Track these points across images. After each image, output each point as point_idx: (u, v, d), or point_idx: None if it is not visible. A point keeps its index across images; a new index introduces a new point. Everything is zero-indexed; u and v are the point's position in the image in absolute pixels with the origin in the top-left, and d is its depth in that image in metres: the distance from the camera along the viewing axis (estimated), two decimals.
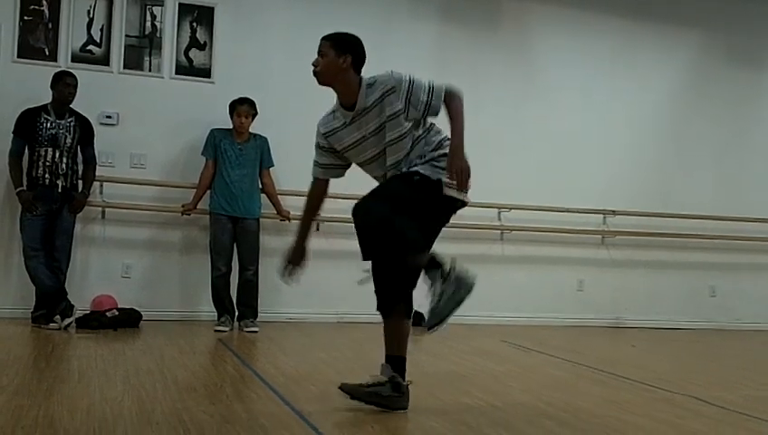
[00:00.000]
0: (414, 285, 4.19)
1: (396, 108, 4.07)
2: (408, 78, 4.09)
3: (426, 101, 4.07)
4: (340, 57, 4.10)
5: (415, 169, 4.09)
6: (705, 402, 4.77)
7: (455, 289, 3.95)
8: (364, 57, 4.20)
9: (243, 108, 7.32)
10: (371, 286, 4.23)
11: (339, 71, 4.11)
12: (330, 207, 7.63)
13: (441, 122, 4.19)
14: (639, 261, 9.20)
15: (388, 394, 4.12)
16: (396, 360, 4.21)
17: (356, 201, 4.01)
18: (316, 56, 4.15)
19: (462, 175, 3.92)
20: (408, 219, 3.93)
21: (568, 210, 8.77)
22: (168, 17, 7.73)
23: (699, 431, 4.04)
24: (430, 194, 4.08)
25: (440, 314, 3.93)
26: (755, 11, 9.64)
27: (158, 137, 7.68)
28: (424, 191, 4.07)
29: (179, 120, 7.73)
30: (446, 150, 4.04)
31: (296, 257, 4.45)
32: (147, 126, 7.67)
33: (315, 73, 4.15)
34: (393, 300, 4.20)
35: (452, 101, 4.09)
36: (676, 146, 9.39)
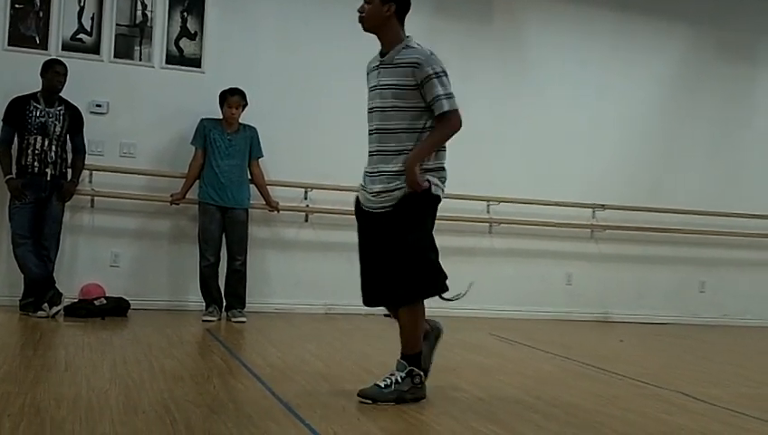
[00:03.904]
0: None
1: (408, 81, 4.17)
2: (438, 69, 4.16)
3: (436, 95, 4.14)
4: (384, 5, 4.25)
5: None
6: (692, 398, 4.78)
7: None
8: (408, 6, 4.34)
9: (233, 98, 7.30)
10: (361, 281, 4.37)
11: (383, 18, 4.26)
12: (318, 198, 7.68)
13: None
14: (628, 255, 9.21)
15: (408, 387, 4.17)
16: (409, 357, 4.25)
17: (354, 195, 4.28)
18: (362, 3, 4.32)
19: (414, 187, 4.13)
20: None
21: (557, 204, 8.76)
22: (158, 6, 7.68)
23: (687, 427, 4.04)
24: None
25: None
26: (746, 5, 9.63)
27: (147, 126, 7.65)
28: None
29: (169, 110, 7.69)
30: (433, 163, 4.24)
31: None
32: (136, 115, 7.63)
33: (360, 19, 4.32)
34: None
35: (449, 122, 4.19)
36: (665, 141, 9.39)
